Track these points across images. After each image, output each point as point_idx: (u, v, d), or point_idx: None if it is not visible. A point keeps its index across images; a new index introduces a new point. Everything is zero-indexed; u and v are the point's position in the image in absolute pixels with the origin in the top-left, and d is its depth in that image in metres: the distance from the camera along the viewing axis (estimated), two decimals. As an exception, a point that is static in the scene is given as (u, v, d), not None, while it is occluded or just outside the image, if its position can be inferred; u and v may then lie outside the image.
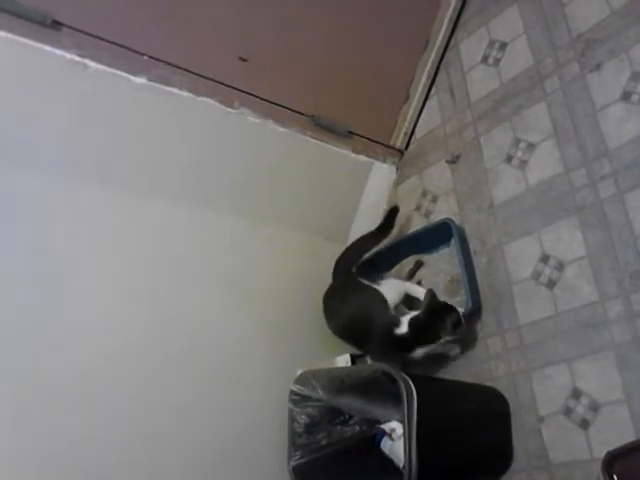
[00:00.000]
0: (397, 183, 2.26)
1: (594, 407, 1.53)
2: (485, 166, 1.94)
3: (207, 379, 1.83)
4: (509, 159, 1.87)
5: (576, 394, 1.57)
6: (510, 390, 1.72)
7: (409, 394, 1.51)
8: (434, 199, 2.10)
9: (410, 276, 2.05)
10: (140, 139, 1.78)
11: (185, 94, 1.77)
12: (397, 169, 2.26)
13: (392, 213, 2.04)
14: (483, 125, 1.98)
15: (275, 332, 1.96)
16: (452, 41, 2.16)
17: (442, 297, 1.80)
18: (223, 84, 1.84)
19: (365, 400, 1.80)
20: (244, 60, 1.86)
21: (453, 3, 2.14)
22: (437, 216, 2.05)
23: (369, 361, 1.99)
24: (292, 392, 1.83)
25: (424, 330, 1.74)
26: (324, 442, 1.85)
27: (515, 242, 1.80)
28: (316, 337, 2.00)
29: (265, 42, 1.89)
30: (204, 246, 1.89)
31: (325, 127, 2.05)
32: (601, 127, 1.66)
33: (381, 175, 2.23)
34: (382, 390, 1.69)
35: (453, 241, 1.91)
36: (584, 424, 1.54)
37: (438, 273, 1.96)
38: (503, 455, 1.68)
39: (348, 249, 2.04)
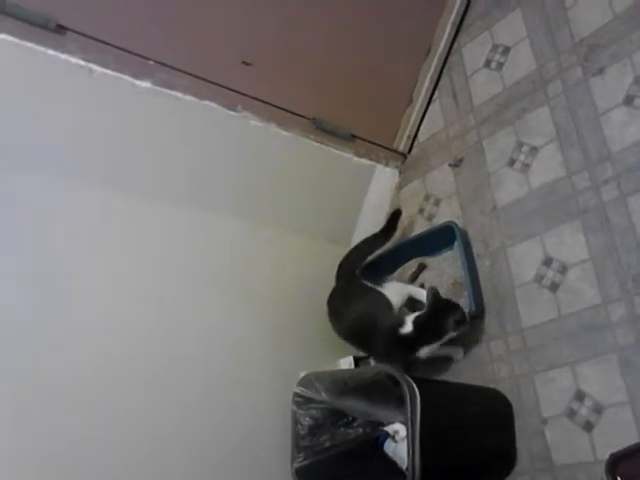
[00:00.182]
0: (400, 186, 2.26)
1: (597, 409, 1.53)
2: (488, 169, 1.95)
3: (210, 381, 1.83)
4: (512, 163, 1.88)
5: (579, 396, 1.57)
6: (513, 392, 1.72)
7: (412, 396, 1.51)
8: (437, 202, 2.10)
9: (413, 279, 2.05)
10: (144, 142, 1.78)
11: (188, 98, 1.78)
12: (400, 172, 2.27)
13: (395, 216, 2.05)
14: (486, 129, 1.99)
15: (278, 334, 1.97)
16: (455, 45, 2.17)
17: (445, 300, 1.81)
18: (226, 87, 1.84)
19: (368, 402, 1.80)
20: (247, 64, 1.86)
21: (456, 7, 2.15)
22: (440, 219, 2.05)
23: (372, 363, 1.99)
24: (295, 394, 1.83)
25: (428, 328, 1.75)
26: (327, 444, 1.85)
27: (518, 245, 1.80)
28: (319, 339, 2.01)
29: (268, 46, 1.89)
30: (206, 249, 1.90)
31: (328, 130, 2.05)
32: (604, 131, 1.66)
33: (384, 178, 2.23)
34: (385, 392, 1.70)
35: (456, 244, 1.92)
36: (588, 426, 1.54)
37: (441, 276, 1.96)
38: (506, 457, 1.68)
39: (351, 252, 2.05)
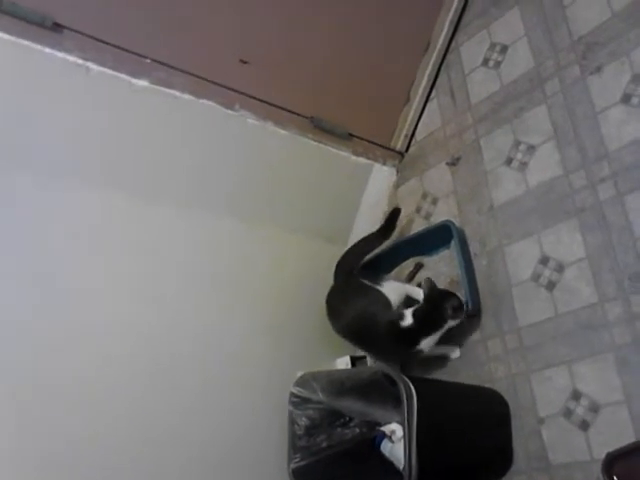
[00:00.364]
0: (397, 185, 2.26)
1: (594, 408, 1.53)
2: (485, 168, 1.95)
3: (207, 382, 1.83)
4: (509, 161, 1.88)
5: (576, 395, 1.57)
6: (510, 392, 1.72)
7: (409, 396, 1.51)
8: (434, 201, 2.10)
9: (410, 278, 2.05)
10: (141, 141, 1.78)
11: (186, 96, 1.78)
12: (397, 171, 2.26)
13: (394, 215, 2.04)
14: (483, 127, 1.98)
15: (275, 334, 1.97)
16: (453, 44, 2.16)
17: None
18: (224, 86, 1.84)
19: (365, 402, 1.80)
20: (245, 62, 1.86)
21: (454, 6, 2.14)
22: (437, 218, 2.05)
23: (369, 363, 1.99)
24: (292, 394, 1.83)
25: (428, 318, 1.75)
26: (324, 444, 1.85)
27: (515, 244, 1.80)
28: (316, 339, 2.01)
29: (265, 44, 1.89)
30: (204, 248, 1.90)
31: (325, 129, 2.05)
32: (601, 129, 1.66)
33: (381, 177, 2.23)
34: (382, 392, 1.70)
35: (453, 243, 1.91)
36: (584, 425, 1.54)
37: (438, 275, 1.96)
38: (503, 457, 1.68)
39: (349, 251, 2.04)
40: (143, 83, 1.71)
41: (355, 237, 2.10)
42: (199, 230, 1.90)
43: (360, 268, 2.02)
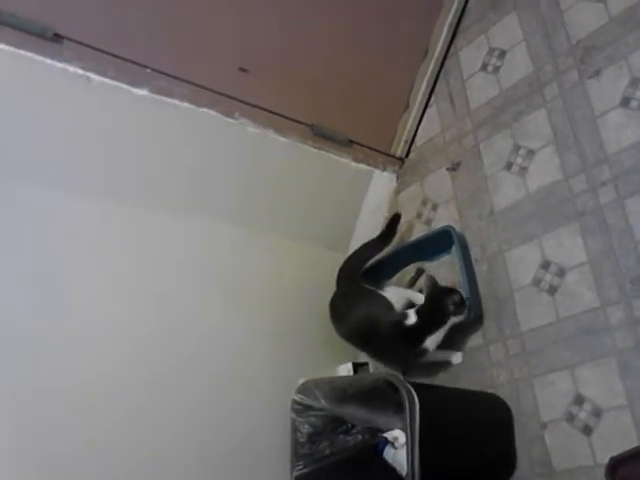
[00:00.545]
0: (397, 191, 2.26)
1: (597, 413, 1.52)
2: (485, 173, 1.95)
3: (208, 387, 1.83)
4: (509, 166, 1.88)
5: (579, 400, 1.57)
6: (512, 397, 1.71)
7: (411, 402, 1.51)
8: (434, 207, 2.10)
9: (411, 284, 2.05)
10: (142, 150, 1.79)
11: (186, 105, 1.78)
12: (397, 177, 2.27)
13: (394, 220, 2.05)
14: (483, 132, 1.99)
15: (277, 341, 1.97)
16: (452, 49, 2.17)
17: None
18: (223, 95, 1.84)
19: (367, 409, 1.79)
20: (244, 70, 1.87)
21: (452, 11, 2.15)
22: (438, 224, 2.05)
23: (371, 369, 1.99)
24: (294, 401, 1.83)
25: (431, 315, 1.76)
26: (327, 451, 1.85)
27: (516, 249, 1.80)
28: (318, 346, 2.01)
29: (264, 52, 1.89)
30: (204, 255, 1.90)
31: (325, 136, 2.05)
32: (601, 133, 1.66)
33: (381, 183, 2.24)
34: (384, 399, 1.69)
35: (454, 248, 1.91)
36: (587, 430, 1.53)
37: (439, 280, 1.93)
38: (506, 462, 1.67)
39: (351, 257, 2.05)
40: (143, 92, 1.72)
41: (356, 243, 2.11)
42: (200, 237, 1.90)
43: (362, 274, 2.02)
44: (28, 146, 1.61)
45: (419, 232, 2.11)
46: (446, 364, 1.88)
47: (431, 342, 1.76)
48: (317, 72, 2.00)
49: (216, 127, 1.86)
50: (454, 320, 1.75)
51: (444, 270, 1.97)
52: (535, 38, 1.89)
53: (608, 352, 1.53)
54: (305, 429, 1.82)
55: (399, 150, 2.24)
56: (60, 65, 1.60)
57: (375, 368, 2.00)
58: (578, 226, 1.66)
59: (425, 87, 2.19)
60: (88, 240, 1.72)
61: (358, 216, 2.21)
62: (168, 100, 1.76)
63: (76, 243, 1.70)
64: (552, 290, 1.68)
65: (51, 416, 1.57)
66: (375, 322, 1.84)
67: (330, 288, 1.99)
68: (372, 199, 2.22)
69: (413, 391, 1.53)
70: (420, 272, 2.04)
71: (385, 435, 1.80)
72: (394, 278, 2.11)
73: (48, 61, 1.58)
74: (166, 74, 1.74)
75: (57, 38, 1.59)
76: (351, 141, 2.12)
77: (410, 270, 2.08)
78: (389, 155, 2.23)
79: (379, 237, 2.05)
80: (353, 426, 1.88)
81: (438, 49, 2.17)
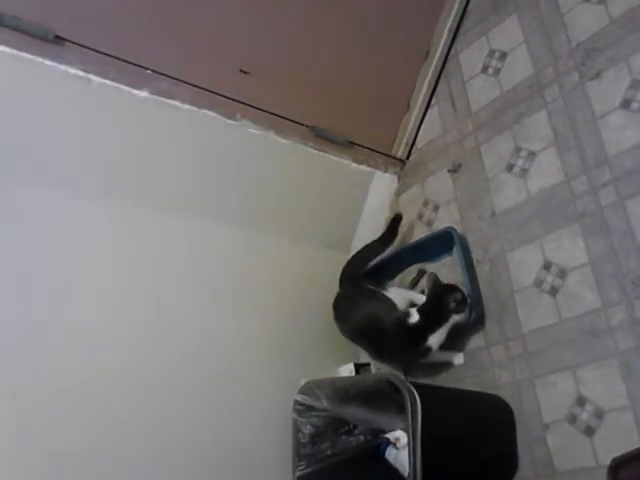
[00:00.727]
0: (399, 192, 2.27)
1: (599, 414, 1.53)
2: (486, 175, 1.95)
3: (209, 388, 1.83)
4: (510, 168, 1.88)
5: (581, 401, 1.57)
6: (514, 398, 1.72)
7: (413, 403, 1.51)
8: (436, 208, 2.10)
9: (413, 285, 2.05)
10: (143, 151, 1.79)
11: (187, 107, 1.79)
12: (398, 179, 2.27)
13: (395, 221, 2.05)
14: (484, 134, 1.99)
15: (279, 342, 1.97)
16: (452, 51, 2.17)
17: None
18: (224, 96, 1.85)
19: (369, 409, 1.80)
20: (245, 72, 1.87)
21: (453, 13, 2.15)
22: (439, 225, 2.05)
23: (373, 370, 1.99)
24: (296, 402, 1.83)
25: (433, 313, 1.76)
26: (329, 452, 1.85)
27: (517, 250, 1.80)
28: (320, 346, 2.01)
29: (266, 54, 1.90)
30: (206, 256, 1.91)
31: (326, 138, 2.06)
32: (601, 135, 1.66)
33: (382, 185, 2.24)
34: (386, 399, 1.69)
35: (455, 250, 1.92)
36: (589, 431, 1.53)
37: (441, 282, 1.96)
38: (508, 463, 1.67)
39: (354, 258, 2.05)
40: (144, 94, 1.72)
41: (357, 244, 2.11)
42: (201, 238, 1.91)
43: (364, 275, 2.02)
44: (29, 147, 1.62)
45: (420, 233, 2.11)
46: (448, 365, 1.88)
47: (434, 341, 1.76)
48: (318, 74, 2.01)
49: (217, 128, 1.86)
50: (456, 318, 1.75)
51: (445, 271, 1.96)
52: (536, 40, 1.90)
53: (610, 353, 1.53)
54: (307, 429, 1.82)
55: (400, 152, 2.24)
56: (61, 67, 1.61)
57: (377, 369, 2.00)
58: (579, 227, 1.66)
59: (426, 89, 2.20)
60: (88, 240, 1.72)
61: (359, 217, 2.21)
62: (169, 102, 1.76)
63: (76, 243, 1.70)
64: (553, 291, 1.68)
65: (51, 416, 1.57)
66: (378, 321, 1.85)
67: (332, 289, 1.99)
68: (373, 200, 2.22)
69: (415, 392, 1.53)
70: (422, 273, 2.04)
71: (387, 436, 1.81)
72: (396, 279, 2.11)
73: (49, 63, 1.59)
74: (167, 76, 1.75)
75: (58, 40, 1.60)
76: (352, 142, 2.12)
77: (412, 272, 2.08)
78: (390, 156, 2.23)
79: (381, 238, 2.05)
80: (355, 427, 1.88)
81: (439, 51, 2.17)
